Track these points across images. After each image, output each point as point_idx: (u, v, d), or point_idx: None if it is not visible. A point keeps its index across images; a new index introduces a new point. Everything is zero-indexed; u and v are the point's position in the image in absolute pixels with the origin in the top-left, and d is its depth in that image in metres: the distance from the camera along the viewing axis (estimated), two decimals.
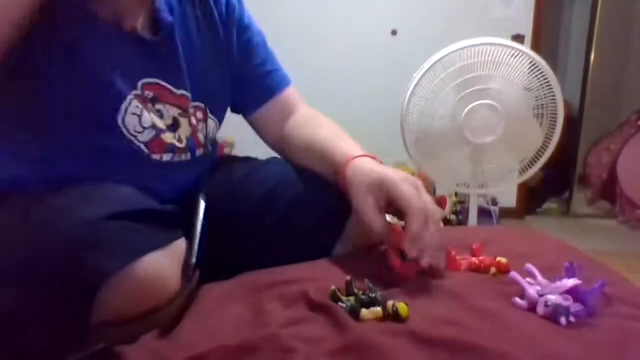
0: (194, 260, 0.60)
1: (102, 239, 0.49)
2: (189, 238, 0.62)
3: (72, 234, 0.46)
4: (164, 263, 0.56)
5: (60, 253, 0.45)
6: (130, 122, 0.65)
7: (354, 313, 0.50)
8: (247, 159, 0.86)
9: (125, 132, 0.65)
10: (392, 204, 0.63)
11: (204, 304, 0.57)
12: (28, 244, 0.46)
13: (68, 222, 0.47)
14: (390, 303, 0.50)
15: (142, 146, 0.67)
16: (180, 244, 0.60)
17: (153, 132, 0.68)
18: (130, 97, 0.65)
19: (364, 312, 0.50)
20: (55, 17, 0.59)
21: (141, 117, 0.66)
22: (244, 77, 0.82)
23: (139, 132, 0.67)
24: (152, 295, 0.54)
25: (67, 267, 0.45)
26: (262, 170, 0.79)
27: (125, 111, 0.65)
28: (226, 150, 2.83)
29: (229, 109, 0.86)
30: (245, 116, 0.88)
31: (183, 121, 0.72)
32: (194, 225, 0.65)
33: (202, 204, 0.68)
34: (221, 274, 0.65)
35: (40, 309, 0.44)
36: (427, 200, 0.61)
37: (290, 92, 0.87)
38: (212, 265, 0.62)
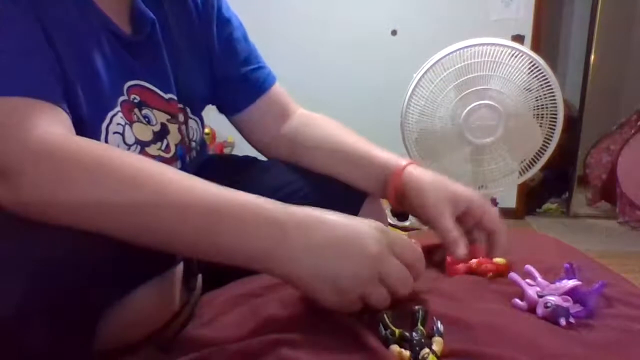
0: (195, 269, 0.60)
1: (104, 266, 0.47)
2: None
3: (75, 261, 0.44)
4: (167, 287, 0.56)
5: (61, 279, 0.42)
6: (114, 141, 0.61)
7: (386, 342, 0.45)
8: (248, 160, 0.85)
9: None
10: (465, 220, 0.65)
11: (205, 311, 0.57)
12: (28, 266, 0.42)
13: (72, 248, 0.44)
14: (424, 352, 0.43)
15: None
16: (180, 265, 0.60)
17: (138, 148, 0.64)
18: (111, 113, 0.60)
19: (392, 347, 0.45)
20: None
21: (124, 135, 0.62)
22: (228, 76, 0.78)
23: None
24: (156, 319, 0.54)
25: (68, 294, 0.43)
26: (267, 173, 0.77)
27: (107, 130, 0.60)
28: (226, 150, 2.83)
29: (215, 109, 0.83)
30: (231, 117, 0.83)
31: (172, 127, 0.69)
32: None
33: None
34: (224, 279, 0.64)
35: (41, 327, 0.42)
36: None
37: (278, 90, 0.82)
38: (215, 271, 0.62)
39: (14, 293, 0.40)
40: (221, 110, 0.84)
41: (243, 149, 0.86)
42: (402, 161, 0.69)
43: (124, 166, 0.46)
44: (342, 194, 0.72)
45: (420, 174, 0.67)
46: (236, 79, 0.79)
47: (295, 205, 0.48)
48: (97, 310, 0.48)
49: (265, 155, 0.85)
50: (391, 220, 2.13)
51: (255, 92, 0.80)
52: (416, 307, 0.49)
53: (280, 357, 0.44)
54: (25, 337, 0.40)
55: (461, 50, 1.67)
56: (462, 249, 0.61)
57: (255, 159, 0.85)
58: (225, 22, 0.77)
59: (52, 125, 0.48)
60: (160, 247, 0.46)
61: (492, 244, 0.64)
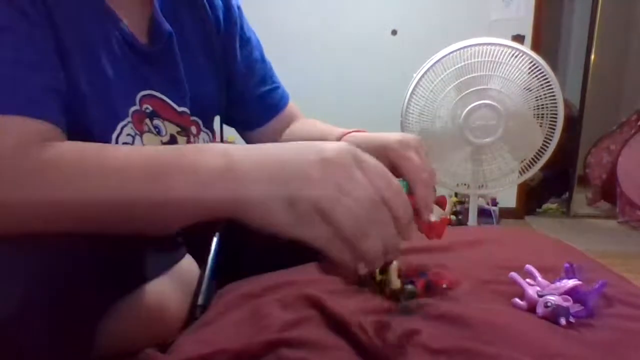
0: (200, 302, 0.59)
1: (102, 268, 0.46)
2: (200, 272, 0.61)
3: (72, 264, 0.43)
4: (167, 289, 0.56)
5: (59, 282, 0.42)
6: None
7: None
8: None
9: None
10: (394, 169, 0.60)
11: (205, 312, 0.57)
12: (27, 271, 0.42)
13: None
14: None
15: None
16: (185, 264, 0.60)
17: None
18: (122, 124, 0.60)
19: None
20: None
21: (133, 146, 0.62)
22: (244, 94, 0.80)
23: None
24: (156, 324, 0.54)
25: (67, 296, 0.43)
26: None
27: (117, 141, 0.60)
28: None
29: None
30: (243, 133, 0.86)
31: (181, 140, 0.69)
32: (205, 263, 0.62)
33: (214, 240, 0.65)
34: (225, 280, 0.64)
35: (39, 329, 0.42)
36: (426, 162, 0.60)
37: (292, 108, 0.86)
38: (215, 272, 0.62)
39: (13, 295, 0.40)
40: (232, 125, 0.85)
41: None
42: (349, 130, 0.72)
43: (69, 155, 0.45)
44: None
45: (355, 136, 0.69)
46: (252, 99, 0.81)
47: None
48: (94, 313, 0.48)
49: None
50: None
51: (270, 113, 0.83)
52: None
53: (280, 357, 0.44)
54: (24, 339, 0.40)
55: (461, 50, 1.67)
56: None
57: None
58: (246, 41, 0.79)
59: (36, 141, 0.47)
60: (119, 220, 0.43)
61: (414, 192, 0.58)
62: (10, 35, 0.49)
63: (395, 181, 0.41)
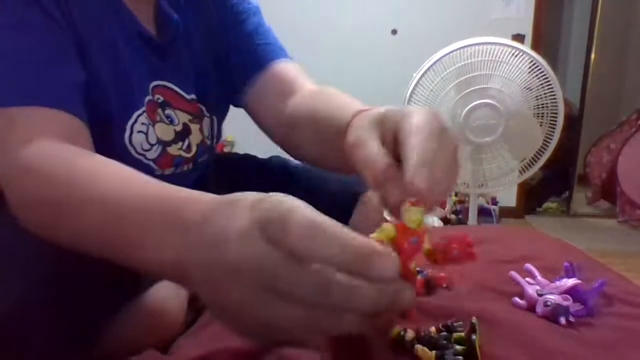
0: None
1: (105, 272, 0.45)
2: None
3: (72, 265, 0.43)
4: (168, 293, 0.56)
5: (60, 283, 0.42)
6: (138, 140, 0.62)
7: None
8: (248, 157, 0.86)
9: (133, 152, 0.62)
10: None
11: (204, 315, 0.57)
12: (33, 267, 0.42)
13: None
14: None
15: (152, 164, 0.64)
16: None
17: (160, 147, 0.65)
18: (137, 112, 0.61)
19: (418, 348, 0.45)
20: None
21: (147, 134, 0.63)
22: (234, 50, 0.73)
23: (147, 150, 0.63)
24: (158, 326, 0.54)
25: (67, 296, 0.43)
26: (267, 168, 0.78)
27: (132, 129, 0.61)
28: (226, 150, 2.83)
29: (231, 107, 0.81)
30: (240, 101, 0.75)
31: (194, 127, 0.70)
32: None
33: None
34: None
35: (41, 328, 0.42)
36: (443, 123, 0.41)
37: (289, 67, 0.73)
38: None
39: (15, 294, 0.40)
40: (235, 102, 0.77)
41: (243, 148, 0.86)
42: (367, 107, 0.53)
43: (55, 167, 0.44)
44: (335, 195, 0.72)
45: (369, 110, 0.49)
46: (240, 53, 0.74)
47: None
48: (96, 314, 0.48)
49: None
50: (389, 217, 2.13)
51: (257, 67, 0.72)
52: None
53: (280, 356, 0.44)
54: (25, 338, 0.40)
55: (461, 50, 1.67)
56: (380, 172, 0.38)
57: (252, 157, 0.85)
58: (237, 13, 0.75)
59: (43, 133, 0.48)
60: (85, 249, 0.40)
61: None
62: (35, 33, 0.51)
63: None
